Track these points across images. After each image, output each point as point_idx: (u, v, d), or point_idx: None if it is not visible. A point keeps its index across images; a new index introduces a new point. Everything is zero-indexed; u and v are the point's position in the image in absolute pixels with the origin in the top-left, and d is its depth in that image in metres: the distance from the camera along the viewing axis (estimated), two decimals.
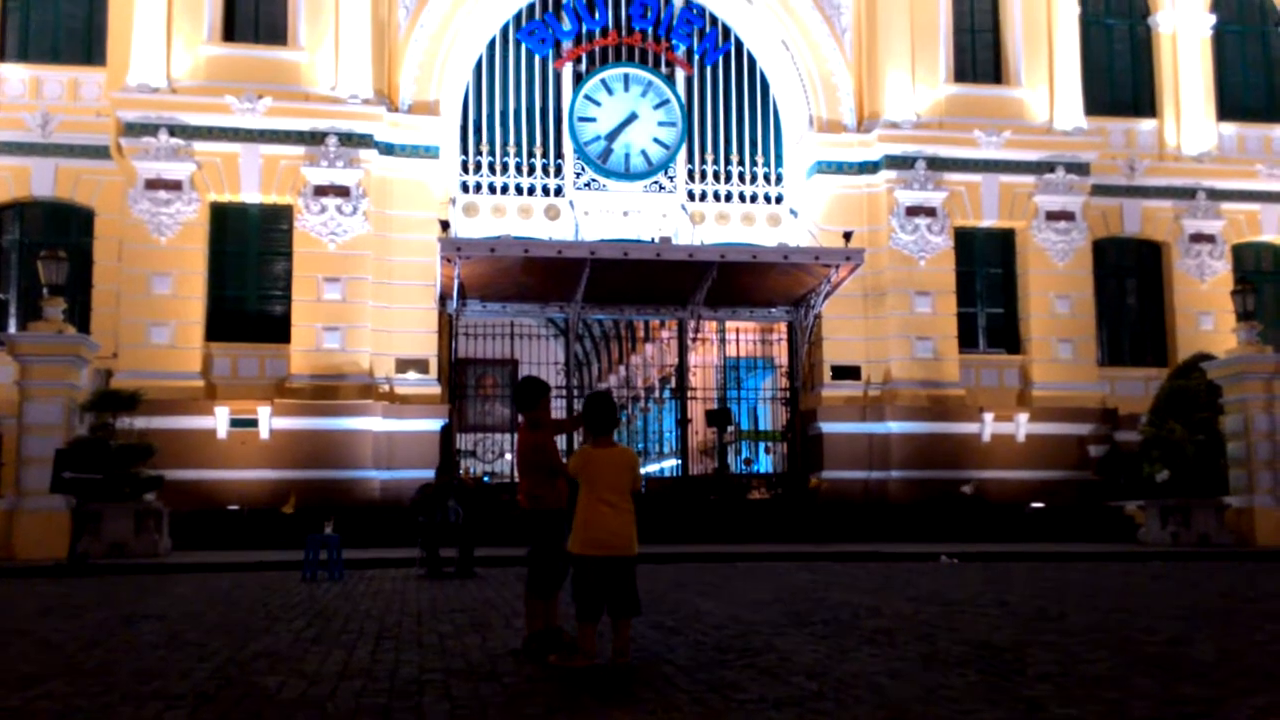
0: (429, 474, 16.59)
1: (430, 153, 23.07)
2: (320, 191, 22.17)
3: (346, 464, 21.38)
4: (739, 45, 25.01)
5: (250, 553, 17.72)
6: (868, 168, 24.20)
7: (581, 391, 26.22)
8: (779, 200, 24.84)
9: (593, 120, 24.27)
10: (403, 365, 22.45)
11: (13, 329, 22.04)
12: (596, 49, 24.50)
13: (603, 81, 24.40)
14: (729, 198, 24.63)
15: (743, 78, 25.02)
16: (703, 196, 24.53)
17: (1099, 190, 25.26)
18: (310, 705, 5.07)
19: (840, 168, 24.22)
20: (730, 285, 22.30)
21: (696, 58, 24.80)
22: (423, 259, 22.17)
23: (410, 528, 14.73)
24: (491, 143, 24.07)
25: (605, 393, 6.76)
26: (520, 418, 6.84)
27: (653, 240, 23.36)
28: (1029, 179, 24.46)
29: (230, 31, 22.83)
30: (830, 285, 22.40)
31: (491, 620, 8.63)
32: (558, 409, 21.40)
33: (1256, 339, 21.27)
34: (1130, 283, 26.54)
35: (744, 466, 25.14)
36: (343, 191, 22.21)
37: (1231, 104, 27.03)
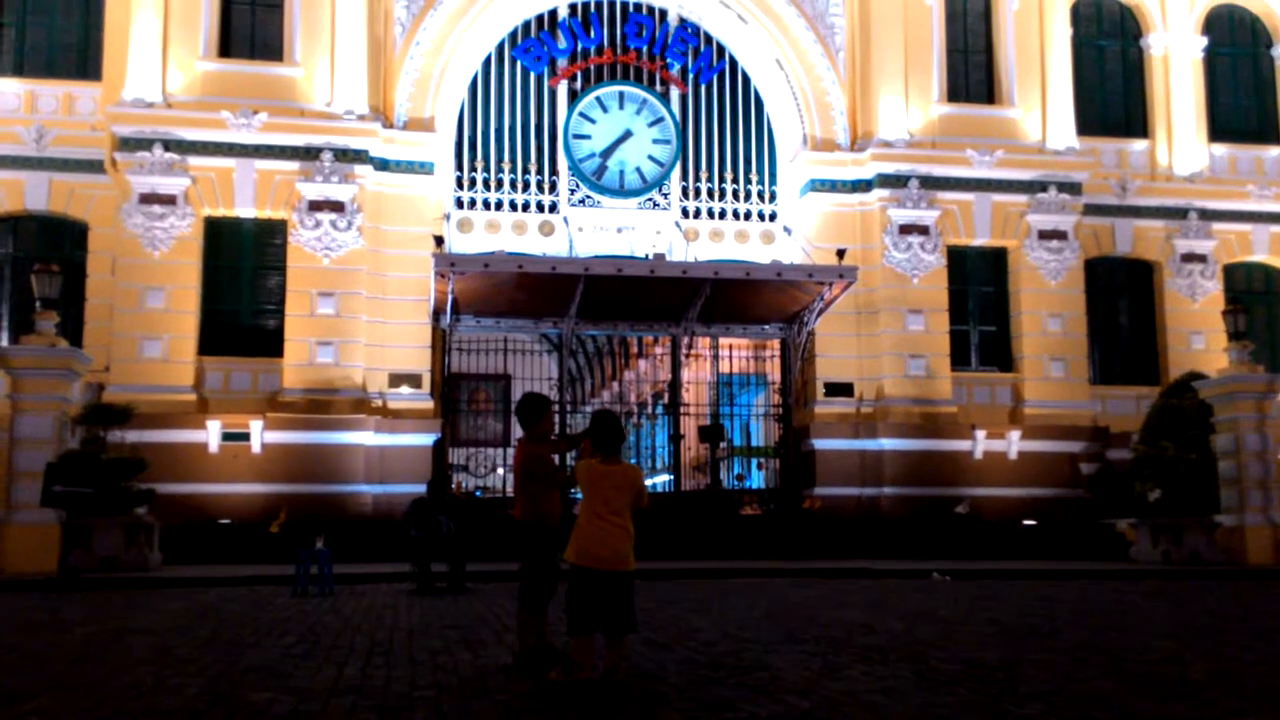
0: (421, 489, 16.56)
1: (425, 169, 23.12)
2: (315, 207, 22.19)
3: (338, 478, 21.33)
4: (733, 64, 25.13)
5: (241, 567, 17.66)
6: (861, 186, 24.29)
7: (574, 407, 26.22)
8: (773, 218, 24.92)
9: (587, 137, 24.35)
10: (396, 380, 22.43)
11: (5, 342, 21.99)
12: (592, 67, 24.60)
13: (598, 99, 24.49)
14: (723, 215, 24.71)
15: (737, 96, 25.13)
16: (697, 214, 24.60)
17: (1091, 210, 25.36)
18: None
19: (834, 186, 24.30)
20: (724, 302, 22.34)
21: (691, 76, 24.90)
22: (417, 274, 22.19)
23: (402, 542, 14.69)
24: (486, 159, 24.13)
25: (610, 412, 6.79)
26: (521, 432, 6.85)
27: (646, 257, 23.39)
28: (1021, 198, 24.56)
29: (226, 47, 22.87)
30: (823, 303, 22.45)
31: (483, 636, 8.61)
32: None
33: (1248, 359, 21.34)
34: (1122, 302, 26.63)
35: (736, 482, 25.14)
36: (337, 207, 22.23)
37: (1223, 125, 27.18)
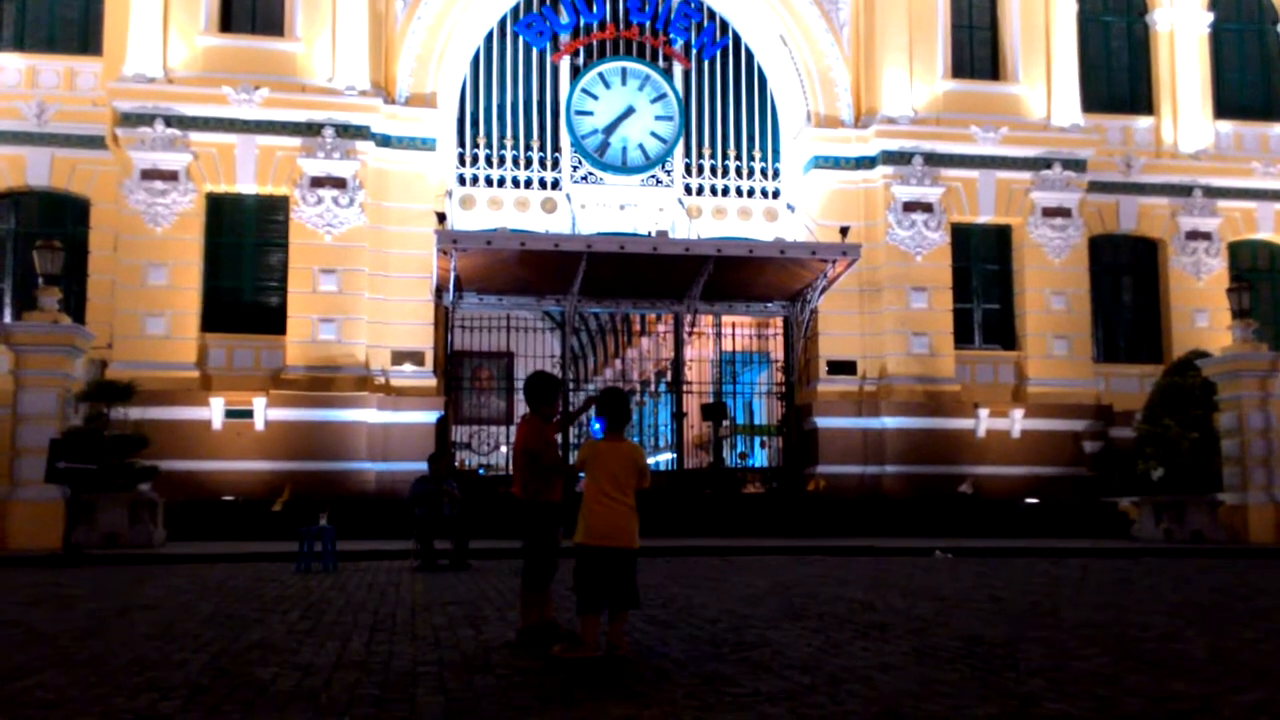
0: (423, 466, 16.58)
1: (427, 145, 23.04)
2: (317, 183, 22.13)
3: (341, 456, 21.37)
4: (737, 40, 24.99)
5: (244, 544, 17.73)
6: (865, 163, 24.19)
7: (578, 385, 26.23)
8: (776, 195, 24.84)
9: (590, 114, 24.25)
10: (398, 357, 22.44)
11: (8, 319, 22.02)
12: (594, 42, 24.48)
13: (600, 75, 24.37)
14: (726, 192, 24.63)
15: (740, 72, 25.01)
16: (700, 191, 24.52)
17: (1096, 187, 25.28)
18: (304, 697, 5.08)
19: (837, 163, 24.21)
20: (727, 279, 22.30)
21: (694, 52, 24.78)
22: (419, 251, 22.16)
23: (405, 519, 14.72)
24: (489, 135, 24.04)
25: (619, 389, 6.80)
26: (527, 410, 6.86)
27: (649, 234, 23.35)
28: (1026, 175, 24.47)
29: (227, 22, 22.78)
30: (827, 280, 22.41)
31: (486, 612, 8.63)
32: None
33: (1252, 337, 21.30)
34: (1126, 280, 26.58)
35: (739, 461, 25.16)
36: (339, 183, 22.17)
37: (1229, 102, 27.05)
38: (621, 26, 24.50)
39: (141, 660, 6.16)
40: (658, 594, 9.93)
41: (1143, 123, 26.59)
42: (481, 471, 23.66)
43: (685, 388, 24.14)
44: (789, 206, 24.61)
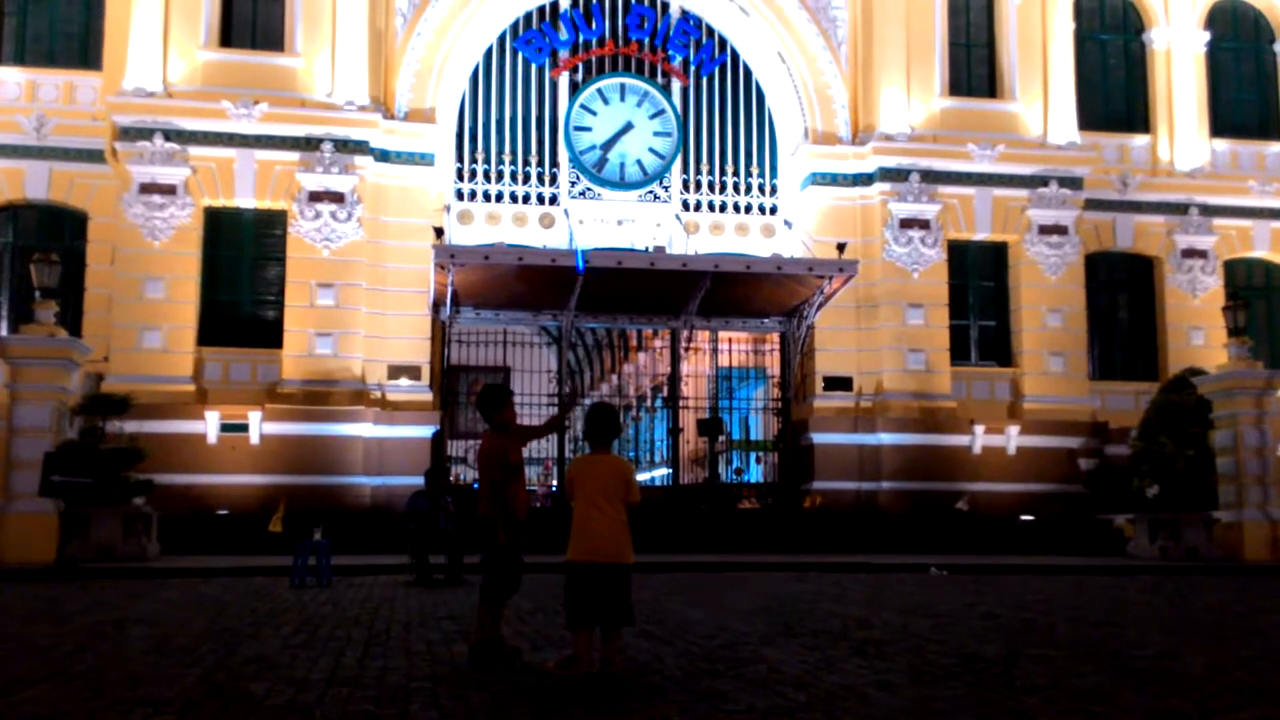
0: (419, 481, 16.56)
1: (426, 160, 23.08)
2: (315, 197, 22.15)
3: (337, 470, 21.34)
4: (735, 56, 25.09)
5: (239, 558, 17.67)
6: (862, 180, 24.25)
7: (574, 400, 26.22)
8: (773, 211, 24.89)
9: (588, 129, 24.31)
10: (395, 372, 22.43)
11: (4, 331, 21.98)
12: (593, 59, 24.56)
13: (599, 91, 24.44)
14: (723, 208, 24.68)
15: (738, 89, 25.09)
16: (697, 206, 24.57)
17: (1092, 205, 25.34)
18: (297, 712, 5.06)
19: (834, 179, 24.27)
20: (723, 295, 22.33)
21: (693, 68, 24.86)
22: (417, 266, 22.17)
23: (399, 534, 14.69)
24: (487, 151, 24.10)
25: (608, 404, 6.80)
26: (486, 425, 6.89)
27: (647, 249, 23.38)
28: (1022, 193, 24.53)
29: (227, 37, 22.82)
30: (823, 296, 22.44)
31: None
32: (550, 416, 21.50)
33: (1247, 355, 21.32)
34: (1122, 297, 26.62)
35: (735, 476, 25.13)
36: (337, 198, 22.20)
37: (1225, 120, 27.15)
38: (620, 43, 24.58)
39: (135, 675, 6.15)
40: (653, 610, 9.92)
41: (1139, 141, 26.68)
42: (476, 485, 23.62)
43: (681, 403, 24.13)
44: (786, 223, 24.66)
